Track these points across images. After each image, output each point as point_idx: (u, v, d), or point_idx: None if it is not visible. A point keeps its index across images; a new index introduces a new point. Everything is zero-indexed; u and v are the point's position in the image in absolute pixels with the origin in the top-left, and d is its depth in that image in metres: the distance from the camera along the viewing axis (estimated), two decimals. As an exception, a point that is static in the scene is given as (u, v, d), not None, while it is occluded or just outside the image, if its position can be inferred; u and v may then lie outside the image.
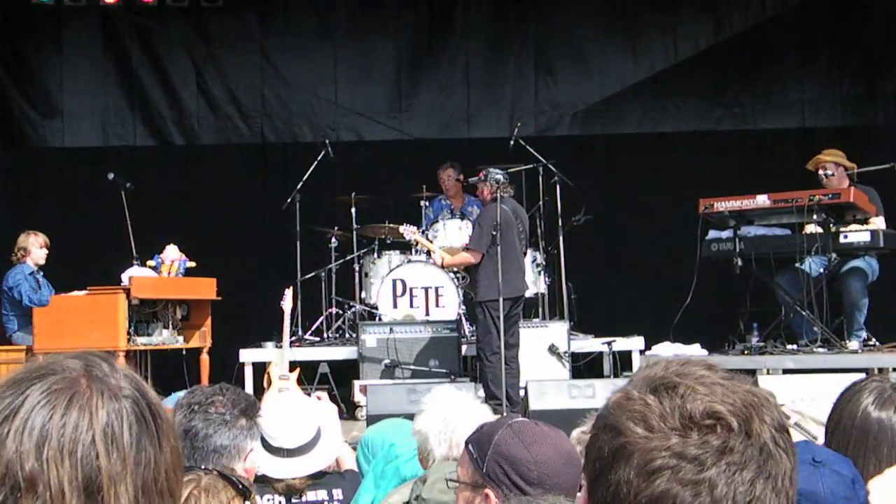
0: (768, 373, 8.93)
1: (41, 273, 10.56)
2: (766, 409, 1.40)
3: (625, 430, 1.39)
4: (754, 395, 1.41)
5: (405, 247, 11.46)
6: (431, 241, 11.11)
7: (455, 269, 11.03)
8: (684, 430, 1.36)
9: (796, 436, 3.63)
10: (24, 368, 1.38)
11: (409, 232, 10.71)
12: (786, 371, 9.03)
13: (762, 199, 9.48)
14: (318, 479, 4.19)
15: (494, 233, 9.39)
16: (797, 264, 9.54)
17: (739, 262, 9.57)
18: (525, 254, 10.18)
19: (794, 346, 9.50)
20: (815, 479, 2.38)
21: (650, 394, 1.40)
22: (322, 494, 4.20)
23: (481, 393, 9.16)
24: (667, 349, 9.92)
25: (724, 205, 9.63)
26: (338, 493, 4.20)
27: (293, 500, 4.12)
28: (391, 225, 11.50)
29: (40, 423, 1.31)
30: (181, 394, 3.48)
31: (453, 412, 3.68)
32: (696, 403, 1.37)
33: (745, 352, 9.56)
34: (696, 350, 9.88)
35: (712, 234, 9.93)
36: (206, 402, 3.31)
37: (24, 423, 1.30)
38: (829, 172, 9.83)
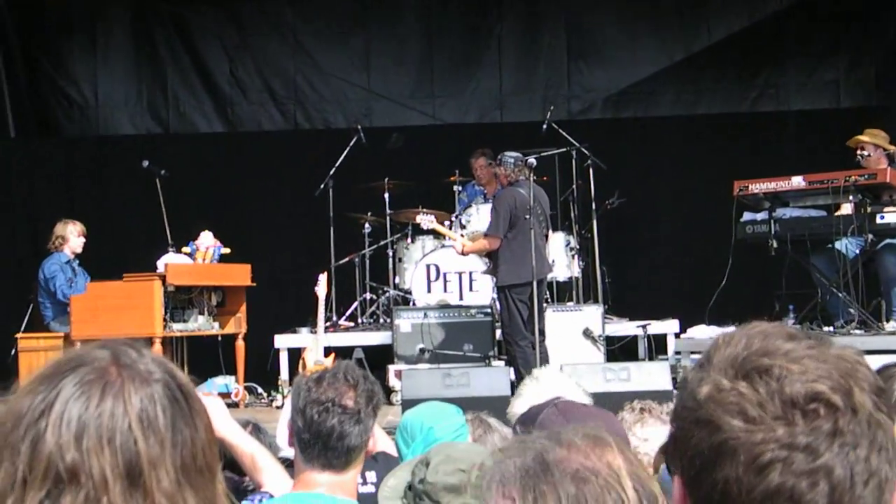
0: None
1: (77, 261, 10.63)
2: (861, 374, 1.33)
3: (723, 425, 1.31)
4: (846, 360, 1.34)
5: (437, 232, 11.47)
6: (452, 227, 11.11)
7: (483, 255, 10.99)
8: (787, 417, 1.29)
9: None
10: (53, 363, 1.40)
11: (426, 221, 10.67)
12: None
13: (797, 181, 9.42)
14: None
15: (525, 216, 9.36)
16: (833, 245, 9.48)
17: (775, 244, 9.51)
18: (547, 237, 10.13)
19: (831, 328, 9.44)
20: None
21: (742, 380, 1.33)
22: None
23: (513, 376, 9.16)
24: (702, 332, 9.90)
25: (758, 186, 9.57)
26: (371, 476, 4.20)
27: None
28: (412, 210, 11.48)
29: (76, 415, 1.32)
30: (303, 379, 3.36)
31: (557, 394, 3.61)
32: (796, 386, 1.30)
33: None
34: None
35: (747, 216, 9.88)
36: (339, 400, 3.20)
37: (61, 417, 1.32)
38: (867, 153, 9.74)
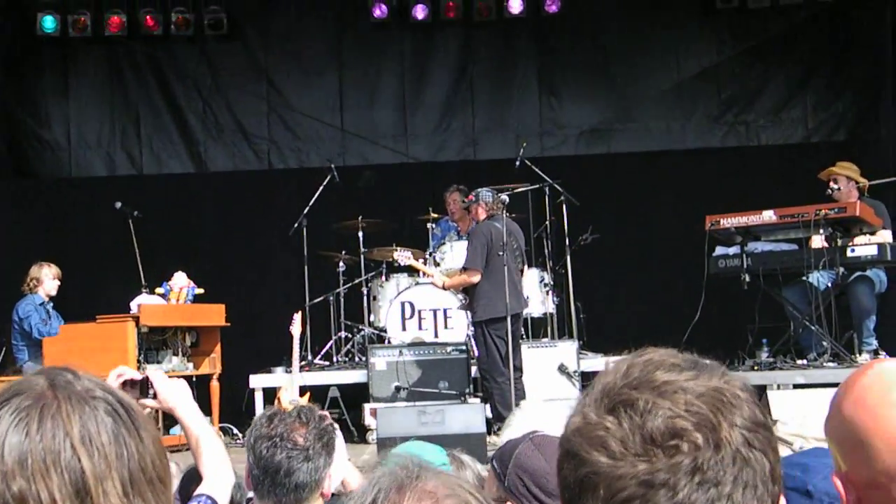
0: (779, 388, 8.91)
1: (51, 304, 10.59)
2: (736, 408, 1.31)
3: (587, 459, 1.30)
4: (722, 394, 1.31)
5: (413, 269, 11.47)
6: (427, 263, 11.12)
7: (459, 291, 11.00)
8: (648, 453, 1.27)
9: None
10: None
11: (403, 257, 10.68)
12: (796, 386, 9.01)
13: (768, 215, 9.48)
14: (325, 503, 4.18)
15: (499, 253, 9.39)
16: (805, 279, 9.54)
17: (747, 278, 9.56)
18: (522, 272, 10.15)
19: (804, 361, 9.49)
20: None
21: (608, 414, 1.31)
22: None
23: (489, 413, 9.15)
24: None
25: (730, 221, 9.63)
26: (344, 515, 4.18)
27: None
28: (386, 249, 11.49)
29: (17, 443, 1.34)
30: (258, 416, 3.38)
31: (546, 429, 3.61)
32: (657, 422, 1.28)
33: (755, 367, 9.54)
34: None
35: (719, 250, 9.93)
36: (289, 435, 3.21)
37: (2, 447, 1.33)
38: (838, 187, 9.83)
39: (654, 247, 13.37)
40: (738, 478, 1.27)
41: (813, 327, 9.48)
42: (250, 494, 3.95)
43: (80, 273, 12.38)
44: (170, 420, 10.34)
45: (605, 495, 1.28)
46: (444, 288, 10.27)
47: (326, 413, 3.45)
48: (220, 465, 3.13)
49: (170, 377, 3.23)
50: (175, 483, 4.13)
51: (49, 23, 13.96)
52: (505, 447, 2.81)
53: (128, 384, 3.17)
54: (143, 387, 3.16)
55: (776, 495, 1.32)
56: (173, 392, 3.20)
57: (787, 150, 14.03)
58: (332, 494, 4.26)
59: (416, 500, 1.68)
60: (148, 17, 14.08)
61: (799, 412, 7.67)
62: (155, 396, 3.17)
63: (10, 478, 1.32)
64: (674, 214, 12.95)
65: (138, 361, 9.82)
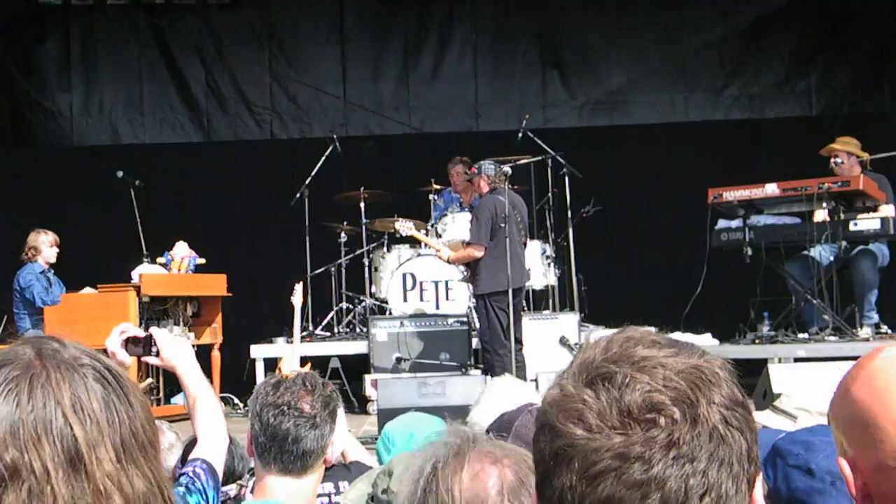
0: (780, 362, 8.91)
1: (52, 271, 10.58)
2: (714, 386, 1.30)
3: (563, 431, 1.29)
4: (701, 371, 1.30)
5: (415, 241, 11.44)
6: (428, 235, 11.11)
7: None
8: (624, 426, 1.26)
9: (776, 419, 3.60)
10: None
11: (405, 227, 10.63)
12: (797, 360, 9.01)
13: (771, 188, 9.46)
14: (326, 471, 4.19)
15: (501, 224, 9.38)
16: (807, 252, 9.53)
17: (749, 252, 9.55)
18: (525, 245, 10.15)
19: (806, 335, 9.48)
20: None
21: (586, 387, 1.30)
22: (328, 487, 4.19)
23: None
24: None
25: (732, 194, 9.61)
26: (344, 486, 4.19)
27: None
28: (388, 220, 11.48)
29: (8, 413, 1.34)
30: (262, 384, 3.37)
31: (511, 406, 3.62)
32: (635, 395, 1.27)
33: (756, 341, 9.55)
34: (707, 340, 9.87)
35: (721, 223, 9.92)
36: (296, 403, 3.21)
37: None
38: (840, 160, 9.80)
39: (656, 219, 13.36)
40: (714, 455, 1.26)
41: (815, 301, 9.47)
42: (252, 464, 3.97)
43: (82, 242, 12.39)
44: (171, 389, 10.38)
45: (579, 468, 1.27)
46: (448, 262, 10.26)
47: (327, 381, 3.45)
48: (215, 426, 3.13)
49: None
50: (177, 453, 4.14)
51: (51, -10, 13.92)
52: (502, 419, 2.80)
53: (131, 341, 3.16)
54: (146, 344, 3.16)
55: (752, 475, 1.30)
56: (176, 350, 3.20)
57: (791, 123, 14.00)
58: (337, 465, 4.27)
59: (477, 461, 1.71)
60: (150, -16, 14.03)
61: (800, 386, 7.67)
62: (158, 354, 3.16)
63: (2, 448, 1.32)
64: (676, 187, 12.93)
65: (140, 331, 9.80)
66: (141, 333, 3.17)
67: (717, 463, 1.27)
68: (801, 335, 9.49)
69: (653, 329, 1.40)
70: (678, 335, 9.79)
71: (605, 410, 1.27)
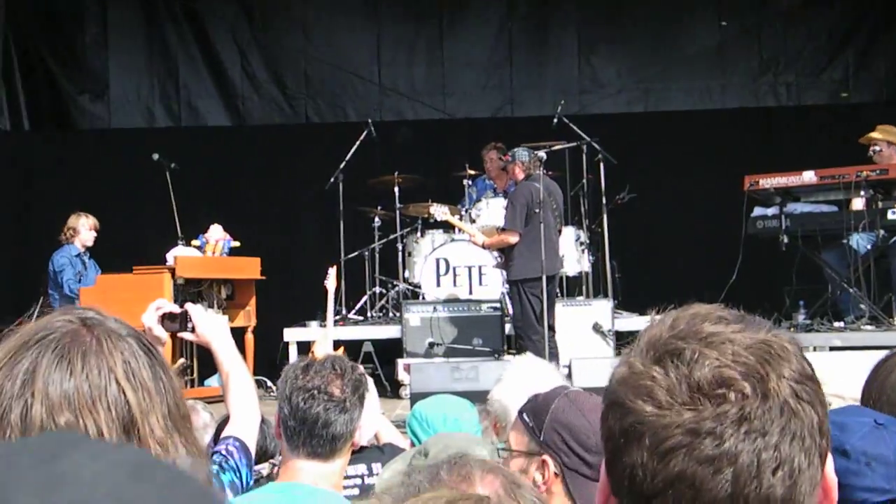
0: (815, 350, 8.85)
1: (88, 254, 10.64)
2: (784, 360, 1.28)
3: (632, 408, 1.28)
4: (770, 346, 1.29)
5: (448, 226, 11.44)
6: (462, 220, 11.09)
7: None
8: (694, 402, 1.25)
9: None
10: (18, 335, 1.40)
11: (439, 212, 10.62)
12: (833, 349, 8.95)
13: (808, 176, 9.39)
14: (357, 453, 4.20)
15: (536, 210, 9.36)
16: (844, 241, 9.45)
17: (785, 240, 9.48)
18: (560, 231, 10.12)
19: (842, 324, 9.41)
20: (880, 441, 2.33)
21: (654, 364, 1.29)
22: (361, 469, 4.20)
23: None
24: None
25: (769, 181, 9.54)
26: (377, 468, 4.20)
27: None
28: (422, 204, 11.45)
29: (61, 380, 1.34)
30: (291, 367, 3.38)
31: (537, 385, 3.62)
32: (704, 371, 1.26)
33: (792, 329, 9.47)
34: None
35: (758, 211, 9.85)
36: (326, 387, 3.20)
37: (47, 385, 1.34)
38: (879, 149, 9.72)
39: (691, 207, 13.28)
40: (786, 429, 1.25)
41: (851, 290, 9.40)
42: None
43: (118, 224, 12.45)
44: (205, 371, 10.43)
45: (650, 444, 1.26)
46: (483, 247, 10.26)
47: (359, 367, 3.45)
48: (247, 403, 3.14)
49: None
50: (211, 432, 4.16)
51: (89, -26, 14.02)
52: (536, 401, 2.79)
53: (167, 317, 3.17)
54: (182, 320, 3.17)
55: (824, 449, 1.30)
56: (211, 326, 3.21)
57: (828, 110, 13.89)
58: (363, 446, 4.29)
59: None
60: (188, -32, 14.10)
61: (835, 375, 7.63)
62: (193, 330, 3.17)
63: (56, 412, 1.33)
64: (712, 174, 12.84)
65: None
66: (177, 309, 3.18)
67: (789, 437, 1.26)
68: (836, 324, 9.42)
69: (719, 305, 1.39)
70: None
71: (674, 387, 1.27)
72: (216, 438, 3.22)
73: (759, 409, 1.25)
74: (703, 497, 1.24)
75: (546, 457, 2.64)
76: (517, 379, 3.78)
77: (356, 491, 4.07)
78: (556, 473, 2.63)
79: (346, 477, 4.18)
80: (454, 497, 1.49)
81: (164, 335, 3.20)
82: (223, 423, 3.34)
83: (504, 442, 2.91)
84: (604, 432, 1.35)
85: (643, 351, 1.33)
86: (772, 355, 1.28)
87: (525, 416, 2.76)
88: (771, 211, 9.74)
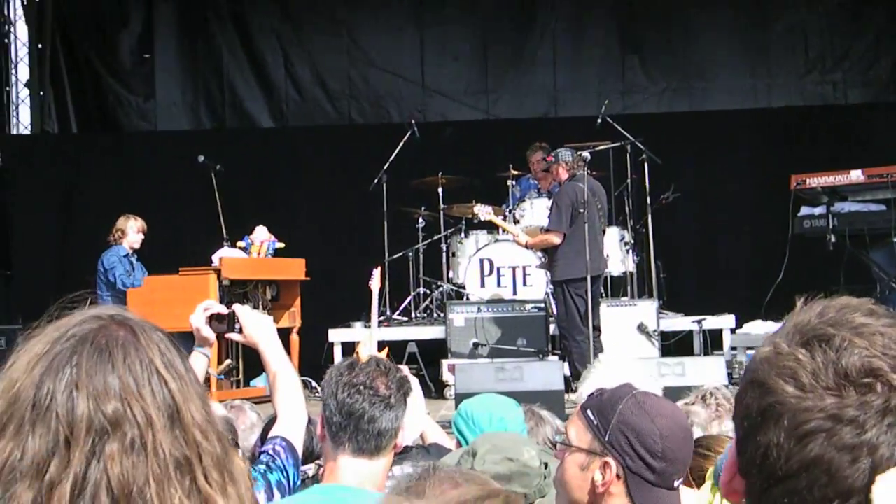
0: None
1: (136, 256, 10.72)
2: None
3: (774, 389, 1.27)
4: None
5: (492, 226, 11.42)
6: (506, 220, 11.08)
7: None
8: (839, 388, 1.24)
9: None
10: (47, 332, 1.43)
11: (483, 212, 10.60)
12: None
13: (856, 175, 9.30)
14: (403, 453, 4.20)
15: (580, 210, 9.33)
16: (893, 240, 9.35)
17: (833, 239, 9.40)
18: (604, 231, 10.07)
19: (890, 324, 9.29)
20: None
21: (801, 347, 1.28)
22: (407, 469, 4.20)
23: (567, 371, 9.13)
24: (759, 327, 9.80)
25: (816, 180, 9.46)
26: (423, 469, 4.20)
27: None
28: (466, 205, 11.44)
29: (105, 371, 1.37)
30: (336, 366, 3.38)
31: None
32: (853, 359, 1.25)
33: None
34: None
35: (804, 210, 9.76)
36: (371, 383, 3.21)
37: (91, 379, 1.36)
38: (927, 146, 9.62)
39: (737, 206, 13.20)
40: None
41: (899, 290, 9.30)
42: None
43: (164, 226, 12.55)
44: (251, 372, 10.48)
45: (788, 426, 1.26)
46: (526, 247, 10.24)
47: (402, 367, 3.46)
48: (295, 403, 3.15)
49: None
50: (257, 433, 4.18)
51: (134, -23, 14.16)
52: (602, 399, 2.75)
53: (215, 318, 3.20)
54: (230, 321, 3.19)
55: None
56: (259, 327, 3.23)
57: (876, 108, 13.74)
58: (408, 447, 4.29)
59: (438, 486, 1.72)
60: (232, -29, 14.20)
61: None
62: (241, 331, 3.19)
63: (103, 401, 1.35)
64: (758, 173, 12.77)
65: (220, 314, 9.90)
66: (224, 310, 3.20)
67: None
68: (885, 324, 9.31)
69: (868, 299, 1.38)
70: (759, 323, 9.70)
71: (819, 371, 1.26)
72: (263, 438, 3.23)
73: None
74: (837, 484, 1.23)
75: (609, 459, 2.61)
76: (605, 378, 3.75)
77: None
78: (617, 476, 2.60)
79: (391, 477, 4.18)
80: (482, 494, 1.48)
81: (211, 336, 3.22)
82: (270, 423, 3.36)
83: (562, 435, 2.88)
84: (739, 410, 1.34)
85: (790, 334, 1.32)
86: None
87: (589, 412, 2.72)
88: (818, 210, 9.65)
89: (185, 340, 3.38)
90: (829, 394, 1.24)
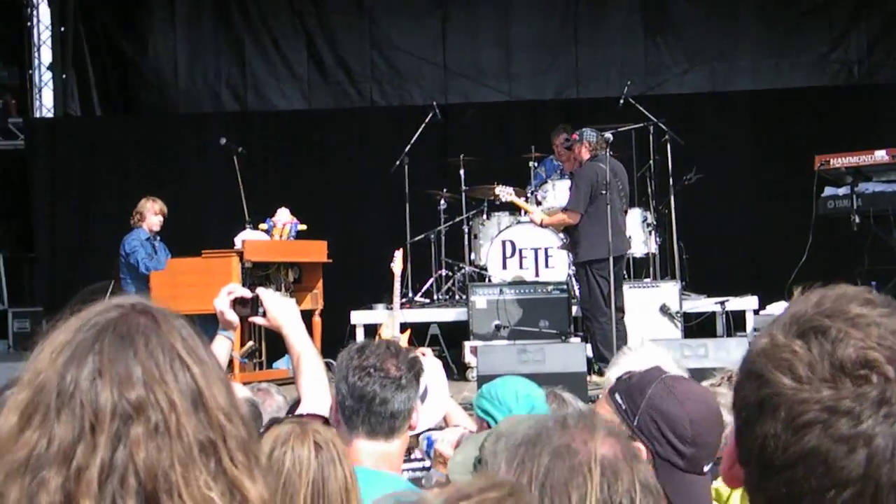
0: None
1: (158, 238, 10.75)
2: None
3: (771, 380, 1.29)
4: None
5: (514, 208, 11.41)
6: (528, 202, 11.06)
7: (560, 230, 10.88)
8: (835, 380, 1.25)
9: None
10: (70, 323, 1.44)
11: (504, 193, 10.58)
12: (905, 331, 8.80)
13: (881, 155, 9.26)
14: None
15: (602, 192, 9.31)
16: (918, 220, 9.31)
17: (857, 220, 9.36)
18: (626, 212, 10.04)
19: (915, 306, 9.25)
20: None
21: (797, 338, 1.29)
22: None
23: (590, 353, 9.13)
24: (782, 309, 9.75)
25: (840, 161, 9.42)
26: (447, 450, 4.20)
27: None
28: (487, 186, 11.43)
29: (127, 358, 1.38)
30: (346, 349, 3.39)
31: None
32: (849, 350, 1.26)
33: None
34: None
35: (828, 191, 9.73)
36: (382, 365, 3.22)
37: (114, 366, 1.38)
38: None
39: (760, 187, 13.14)
40: None
41: (925, 270, 9.26)
42: None
43: (187, 208, 12.60)
44: (273, 354, 10.52)
45: (785, 417, 1.27)
46: (541, 225, 10.24)
47: (426, 349, 3.46)
48: (318, 385, 3.16)
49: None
50: (283, 414, 4.19)
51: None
52: (631, 382, 2.73)
53: (238, 301, 3.21)
54: (253, 305, 3.21)
55: None
56: (282, 310, 3.24)
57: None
58: (431, 428, 4.29)
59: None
60: (255, -46, 14.20)
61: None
62: (264, 314, 3.20)
63: (127, 387, 1.36)
64: (781, 154, 12.70)
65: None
66: (248, 294, 3.22)
67: None
68: (910, 306, 9.27)
69: (867, 287, 1.39)
70: (783, 304, 9.65)
71: (815, 362, 1.27)
72: None
73: None
74: (834, 475, 1.24)
75: (638, 443, 2.60)
76: (632, 361, 3.74)
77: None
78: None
79: (415, 460, 4.19)
80: (505, 494, 1.49)
81: (235, 319, 3.23)
82: (294, 406, 3.37)
83: None
84: (737, 401, 1.36)
85: (786, 325, 1.33)
86: None
87: (618, 396, 2.70)
88: (842, 191, 9.61)
89: (209, 323, 3.40)
90: (826, 385, 1.25)
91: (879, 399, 1.24)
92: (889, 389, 1.24)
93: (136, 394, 1.36)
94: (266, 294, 3.24)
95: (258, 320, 3.23)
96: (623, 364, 3.76)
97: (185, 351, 1.42)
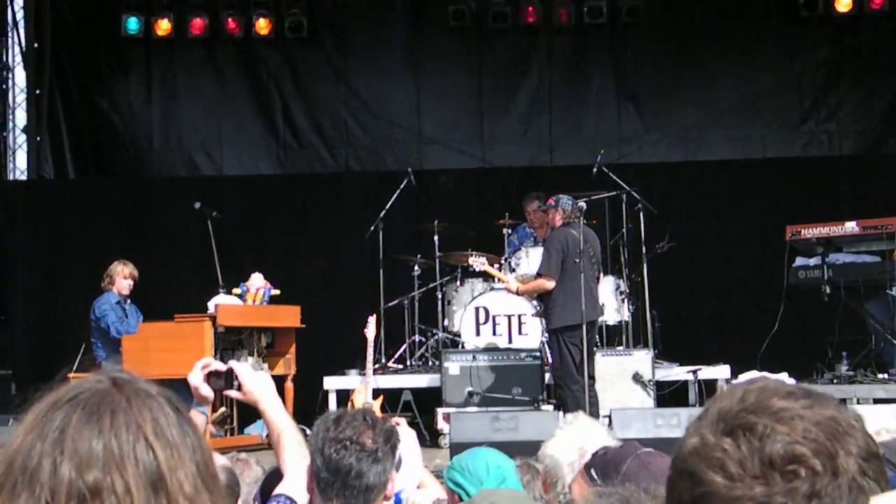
0: (858, 402, 8.76)
1: (128, 301, 10.70)
2: (851, 437, 1.32)
3: (704, 479, 1.32)
4: (838, 423, 1.33)
5: (488, 274, 11.44)
6: (501, 269, 11.09)
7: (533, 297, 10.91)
8: (766, 476, 1.28)
9: None
10: (50, 396, 1.44)
11: (478, 263, 10.58)
12: (876, 401, 8.86)
13: (850, 226, 9.35)
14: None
15: (575, 260, 9.33)
16: (888, 291, 9.37)
17: (828, 290, 9.43)
18: (598, 280, 10.08)
19: (885, 375, 9.32)
20: None
21: (726, 436, 1.33)
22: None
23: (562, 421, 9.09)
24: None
25: (811, 231, 9.51)
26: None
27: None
28: (462, 253, 11.45)
29: (90, 437, 1.37)
30: (322, 419, 3.37)
31: (591, 445, 3.60)
32: (776, 446, 1.29)
33: (835, 381, 9.39)
34: (784, 379, 9.73)
35: (799, 261, 9.80)
36: (357, 438, 3.21)
37: (76, 442, 1.37)
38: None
39: (732, 256, 13.22)
40: None
41: (894, 341, 9.30)
42: None
43: (160, 272, 12.55)
44: (247, 419, 10.44)
45: None
46: (517, 293, 10.24)
47: (400, 419, 3.45)
48: (300, 462, 3.14)
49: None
50: (258, 485, 4.16)
51: (133, 24, 14.24)
52: (606, 458, 2.74)
53: (213, 375, 3.19)
54: (227, 378, 3.18)
55: None
56: (258, 384, 3.22)
57: (870, 160, 13.81)
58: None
59: None
60: (230, 19, 14.27)
61: (879, 427, 7.53)
62: (239, 388, 3.19)
63: (84, 469, 1.35)
64: (753, 224, 12.80)
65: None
66: (222, 367, 3.20)
67: None
68: (880, 375, 9.33)
69: (785, 377, 1.42)
70: (755, 373, 9.68)
71: (746, 459, 1.30)
72: (263, 492, 3.22)
73: (829, 486, 1.27)
74: None
75: None
76: (570, 436, 3.75)
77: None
78: None
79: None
80: None
81: (210, 394, 3.22)
82: (269, 477, 3.34)
83: (566, 495, 2.86)
84: (672, 500, 1.38)
85: (714, 422, 1.36)
86: (840, 432, 1.32)
87: (593, 472, 2.71)
88: (813, 261, 9.69)
89: (180, 388, 3.38)
90: (757, 482, 1.28)
91: (809, 493, 1.27)
92: (818, 483, 1.28)
93: (94, 476, 1.35)
94: (240, 367, 3.22)
95: (233, 394, 3.21)
96: (559, 437, 3.77)
97: (153, 432, 1.40)
